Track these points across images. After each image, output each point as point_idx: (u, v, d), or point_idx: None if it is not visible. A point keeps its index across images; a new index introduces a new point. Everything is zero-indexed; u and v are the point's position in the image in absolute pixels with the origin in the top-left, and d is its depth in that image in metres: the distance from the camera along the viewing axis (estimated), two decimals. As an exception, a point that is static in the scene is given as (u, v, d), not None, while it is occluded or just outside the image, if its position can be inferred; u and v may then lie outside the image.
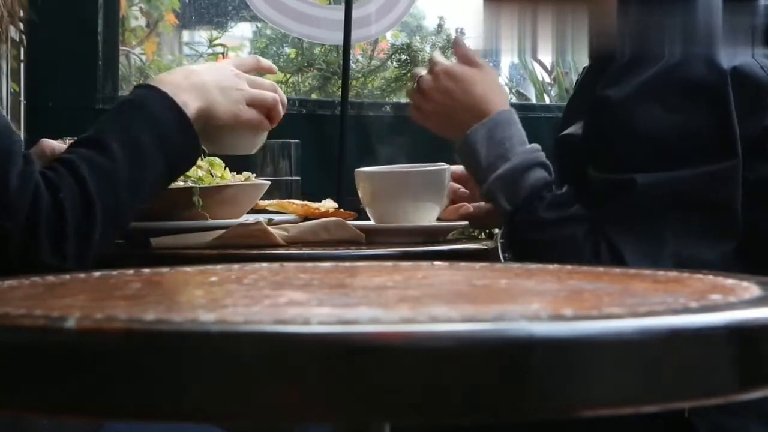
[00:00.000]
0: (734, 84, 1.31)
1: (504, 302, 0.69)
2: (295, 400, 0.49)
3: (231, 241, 1.43)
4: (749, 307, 0.61)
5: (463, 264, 0.95)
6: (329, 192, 1.91)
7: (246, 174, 1.62)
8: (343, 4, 2.81)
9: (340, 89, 2.81)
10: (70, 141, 1.33)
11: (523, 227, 1.39)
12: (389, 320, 0.57)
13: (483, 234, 1.68)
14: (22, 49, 2.51)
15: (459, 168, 1.64)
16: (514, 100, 3.98)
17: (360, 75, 3.97)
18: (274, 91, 1.44)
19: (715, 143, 1.31)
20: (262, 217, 1.52)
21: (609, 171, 1.35)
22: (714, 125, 1.31)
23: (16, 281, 0.81)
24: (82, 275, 0.85)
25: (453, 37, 1.57)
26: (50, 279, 0.82)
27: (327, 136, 2.73)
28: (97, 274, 0.85)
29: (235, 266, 0.91)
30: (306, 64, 3.95)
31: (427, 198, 1.56)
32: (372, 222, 1.59)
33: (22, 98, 2.52)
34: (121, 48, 3.13)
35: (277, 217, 1.58)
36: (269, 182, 1.62)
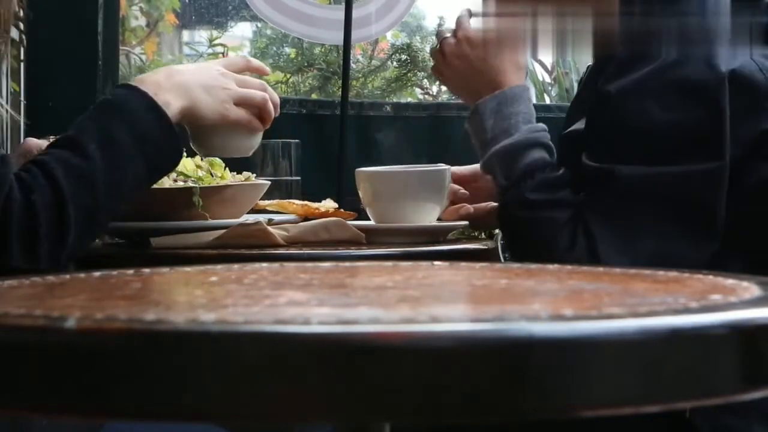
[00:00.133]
0: (732, 87, 1.31)
1: (504, 302, 0.69)
2: (295, 400, 0.49)
3: (231, 241, 1.43)
4: (749, 307, 0.61)
5: (463, 264, 0.95)
6: (329, 192, 1.91)
7: (246, 174, 1.62)
8: (343, 4, 2.81)
9: (340, 89, 2.81)
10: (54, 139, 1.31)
11: (512, 204, 1.41)
12: (389, 320, 0.57)
13: (483, 234, 1.68)
14: (22, 49, 2.51)
15: (459, 169, 1.64)
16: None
17: (360, 75, 3.98)
18: (263, 90, 1.42)
19: (704, 144, 1.31)
20: (262, 217, 1.52)
21: (596, 160, 1.36)
22: (705, 126, 1.31)
23: (16, 281, 0.81)
24: (82, 275, 0.85)
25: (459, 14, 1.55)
26: (50, 279, 0.82)
27: (327, 136, 2.73)
28: (97, 274, 0.85)
29: (235, 266, 0.90)
30: (306, 64, 3.96)
31: (428, 198, 1.56)
32: (372, 222, 1.59)
33: (22, 98, 2.52)
34: (121, 48, 3.14)
35: (277, 217, 1.58)
36: (269, 182, 1.62)
